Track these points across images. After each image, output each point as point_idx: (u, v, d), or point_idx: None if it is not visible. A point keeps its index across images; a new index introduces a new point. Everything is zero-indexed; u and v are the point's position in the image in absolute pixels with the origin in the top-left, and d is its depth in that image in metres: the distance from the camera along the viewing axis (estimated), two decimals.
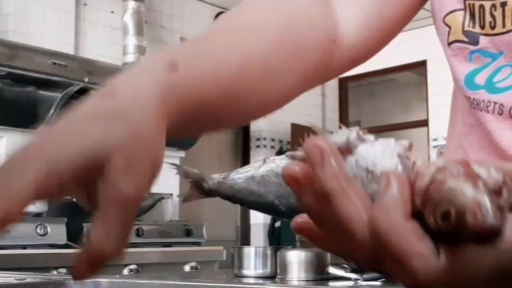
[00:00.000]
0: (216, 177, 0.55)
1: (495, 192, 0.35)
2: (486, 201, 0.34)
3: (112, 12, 4.60)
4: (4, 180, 0.41)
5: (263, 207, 0.45)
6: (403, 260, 0.35)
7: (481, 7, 0.70)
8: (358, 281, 1.67)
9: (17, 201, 0.43)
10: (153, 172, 0.49)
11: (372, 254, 0.37)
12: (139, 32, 4.40)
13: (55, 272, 2.96)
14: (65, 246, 3.48)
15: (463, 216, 0.34)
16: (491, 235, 0.34)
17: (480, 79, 0.71)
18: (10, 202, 0.43)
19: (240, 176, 0.53)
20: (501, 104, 0.69)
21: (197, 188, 0.56)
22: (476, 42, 0.71)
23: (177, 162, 4.80)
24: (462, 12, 0.72)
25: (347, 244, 0.38)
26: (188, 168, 0.55)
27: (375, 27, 0.75)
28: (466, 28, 0.72)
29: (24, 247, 3.26)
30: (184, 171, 0.56)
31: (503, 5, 0.68)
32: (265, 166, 0.44)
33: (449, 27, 0.74)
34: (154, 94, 0.45)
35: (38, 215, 3.57)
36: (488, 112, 0.70)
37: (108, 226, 0.41)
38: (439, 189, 0.36)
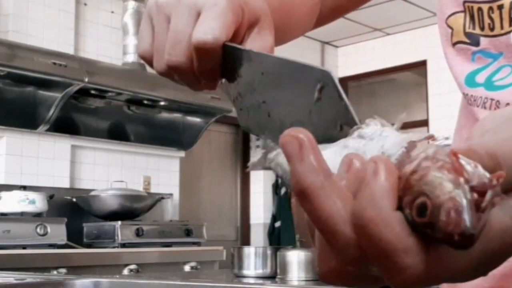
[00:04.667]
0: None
1: (478, 192, 0.33)
2: (464, 201, 0.32)
3: (112, 12, 4.60)
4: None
5: None
6: (391, 254, 0.33)
7: (479, 9, 0.71)
8: None
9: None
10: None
11: (357, 253, 0.35)
12: (139, 32, 4.40)
13: (55, 272, 2.96)
14: (65, 246, 3.48)
15: (437, 213, 0.32)
16: (464, 240, 0.32)
17: (481, 78, 0.73)
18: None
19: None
20: (498, 101, 0.71)
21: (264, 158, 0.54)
22: (477, 43, 0.72)
23: (177, 162, 4.80)
24: (462, 14, 0.73)
25: (331, 245, 0.36)
26: (267, 141, 0.54)
27: None
28: (467, 30, 0.73)
29: (24, 247, 3.26)
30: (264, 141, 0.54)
31: (500, 7, 0.69)
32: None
33: (452, 28, 0.75)
34: None
35: (38, 215, 3.57)
36: (485, 108, 0.72)
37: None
38: (421, 179, 0.33)
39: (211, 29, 0.54)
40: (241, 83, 0.55)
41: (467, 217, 0.32)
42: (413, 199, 0.33)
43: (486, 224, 0.33)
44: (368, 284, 0.38)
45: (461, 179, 0.33)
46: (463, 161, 0.34)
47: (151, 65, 0.59)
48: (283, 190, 6.02)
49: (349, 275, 0.37)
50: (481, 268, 0.35)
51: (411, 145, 0.36)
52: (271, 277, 1.86)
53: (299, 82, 0.48)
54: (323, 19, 0.84)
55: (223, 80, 0.58)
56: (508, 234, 0.34)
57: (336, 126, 0.45)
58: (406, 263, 0.33)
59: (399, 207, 0.34)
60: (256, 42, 0.57)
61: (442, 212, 0.32)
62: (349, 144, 0.41)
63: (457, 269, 0.34)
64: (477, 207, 0.32)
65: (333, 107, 0.44)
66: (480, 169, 0.33)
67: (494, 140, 0.38)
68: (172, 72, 0.57)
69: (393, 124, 0.41)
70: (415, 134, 0.37)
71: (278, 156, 0.49)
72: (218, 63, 0.55)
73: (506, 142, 0.37)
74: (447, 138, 0.37)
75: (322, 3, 0.82)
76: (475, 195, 0.33)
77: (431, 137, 0.36)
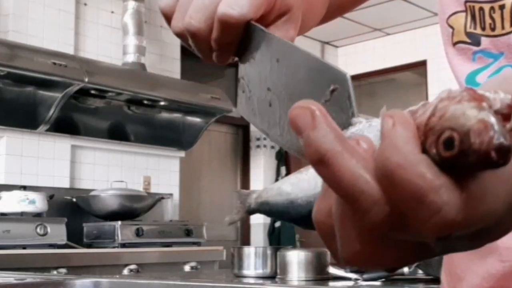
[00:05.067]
0: (254, 195, 0.53)
1: (503, 115, 0.32)
2: (492, 118, 0.31)
3: (112, 12, 4.60)
4: None
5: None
6: (423, 196, 0.32)
7: (481, 9, 0.71)
8: (358, 281, 1.67)
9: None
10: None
11: (385, 210, 0.34)
12: (139, 32, 4.40)
13: (55, 272, 2.96)
14: (65, 246, 3.48)
15: (467, 139, 0.31)
16: (500, 155, 0.31)
17: (481, 78, 0.73)
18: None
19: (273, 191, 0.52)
20: None
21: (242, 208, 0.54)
22: (478, 43, 0.72)
23: (177, 162, 4.80)
24: (463, 14, 0.73)
25: (357, 209, 0.34)
26: (242, 191, 0.54)
27: None
28: (468, 30, 0.73)
29: (24, 247, 3.26)
30: (238, 193, 0.55)
31: (501, 7, 0.69)
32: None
33: (453, 28, 0.75)
34: None
35: (38, 215, 3.57)
36: None
37: None
38: (441, 117, 0.33)
39: (240, 5, 0.52)
40: (253, 65, 0.54)
41: (499, 132, 0.31)
42: (437, 137, 0.33)
43: None
44: (393, 262, 0.37)
45: (484, 104, 0.32)
46: (481, 91, 0.33)
47: (168, 22, 0.58)
48: None
49: (374, 252, 0.36)
50: (507, 218, 0.35)
51: (412, 112, 0.35)
52: (271, 277, 1.86)
53: (312, 78, 0.47)
54: (327, 16, 0.84)
55: (235, 58, 0.57)
56: None
57: None
58: (440, 202, 0.32)
59: (424, 152, 0.33)
60: (279, 32, 0.56)
61: (472, 135, 0.31)
62: None
63: (491, 208, 0.33)
64: (506, 129, 0.32)
65: (340, 112, 0.44)
66: (501, 93, 0.33)
67: (491, 86, 0.37)
68: (188, 36, 0.56)
69: None
70: (410, 108, 0.37)
71: (260, 196, 0.50)
72: (238, 39, 0.54)
73: (502, 85, 0.37)
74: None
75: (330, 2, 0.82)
76: (500, 118, 0.32)
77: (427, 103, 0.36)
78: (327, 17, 0.83)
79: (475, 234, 0.35)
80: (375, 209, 0.34)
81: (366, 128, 0.40)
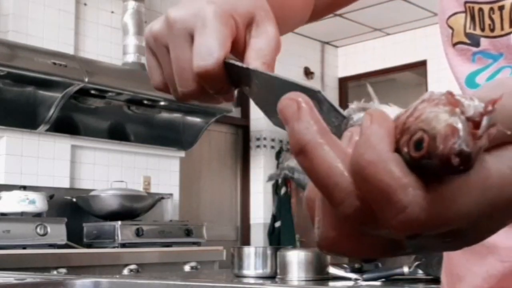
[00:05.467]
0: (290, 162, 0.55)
1: (474, 123, 0.33)
2: (459, 124, 0.32)
3: (112, 12, 4.60)
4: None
5: None
6: (390, 193, 0.33)
7: (480, 10, 0.71)
8: (358, 281, 1.67)
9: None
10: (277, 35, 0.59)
11: (357, 203, 0.35)
12: (139, 32, 4.40)
13: (55, 272, 2.96)
14: (65, 246, 3.48)
15: (434, 142, 0.32)
16: (461, 161, 0.32)
17: (481, 79, 0.73)
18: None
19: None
20: None
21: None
22: (477, 44, 0.72)
23: (177, 162, 4.80)
24: (463, 15, 0.73)
25: (330, 200, 0.36)
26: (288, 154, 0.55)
27: None
28: (467, 30, 0.73)
29: (24, 247, 3.26)
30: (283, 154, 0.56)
31: (501, 8, 0.69)
32: None
33: (452, 29, 0.75)
34: None
35: (38, 215, 3.57)
36: None
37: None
38: (417, 118, 0.34)
39: (208, 53, 0.54)
40: (252, 90, 0.57)
41: (462, 138, 0.32)
42: (410, 137, 0.34)
43: (480, 152, 0.33)
44: (367, 252, 0.38)
45: (457, 109, 0.33)
46: (458, 97, 0.34)
47: (169, 93, 0.60)
48: (283, 190, 6.02)
49: (349, 241, 0.37)
50: (485, 220, 0.35)
51: (403, 112, 0.37)
52: (271, 277, 1.86)
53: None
54: (317, 13, 0.84)
55: (237, 89, 0.59)
56: (506, 183, 0.35)
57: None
58: (406, 201, 0.33)
59: (397, 151, 0.34)
60: (258, 39, 0.57)
61: (438, 139, 0.32)
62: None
63: (458, 212, 0.34)
64: (474, 136, 0.33)
65: (331, 120, 0.45)
66: (476, 101, 0.33)
67: (484, 90, 0.38)
68: (190, 98, 0.58)
69: None
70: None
71: (292, 161, 0.50)
72: (225, 80, 0.56)
73: (495, 90, 0.37)
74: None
75: None
76: (471, 125, 0.33)
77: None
78: (318, 14, 0.84)
79: (447, 235, 0.35)
80: (346, 202, 0.35)
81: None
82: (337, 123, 0.45)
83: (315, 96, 0.46)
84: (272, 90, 0.53)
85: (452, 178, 0.34)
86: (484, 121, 0.33)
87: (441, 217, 0.34)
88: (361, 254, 0.38)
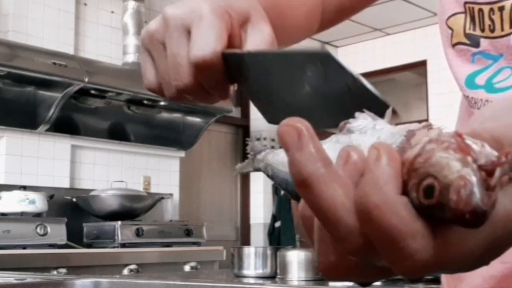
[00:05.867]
0: (261, 156, 0.52)
1: (486, 171, 0.32)
2: (473, 178, 0.31)
3: (112, 12, 4.60)
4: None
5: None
6: (398, 239, 0.32)
7: (480, 10, 0.71)
8: None
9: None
10: (271, 34, 0.59)
11: (359, 242, 0.34)
12: (139, 32, 4.39)
13: (55, 272, 2.96)
14: (65, 246, 3.47)
15: (446, 192, 0.31)
16: (475, 218, 0.31)
17: (481, 79, 0.72)
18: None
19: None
20: None
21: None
22: (477, 45, 0.72)
23: (177, 162, 4.80)
24: (463, 15, 0.73)
25: (332, 235, 0.35)
26: (256, 145, 0.53)
27: None
28: (467, 31, 0.73)
29: (24, 247, 3.26)
30: (251, 146, 0.54)
31: (501, 9, 0.69)
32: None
33: (452, 29, 0.75)
34: None
35: (38, 215, 3.57)
36: None
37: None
38: (426, 161, 0.32)
39: (205, 43, 0.54)
40: (251, 83, 0.56)
41: (478, 194, 0.31)
42: (419, 181, 0.32)
43: (495, 205, 0.32)
44: (368, 278, 0.37)
45: (469, 158, 0.32)
46: (469, 141, 0.33)
47: (161, 94, 0.60)
48: (283, 190, 6.01)
49: (349, 268, 0.36)
50: (487, 256, 0.35)
51: (410, 134, 0.35)
52: (271, 277, 1.86)
53: (302, 68, 0.48)
54: (326, 22, 0.84)
55: (235, 86, 0.58)
56: (511, 219, 0.34)
57: (345, 100, 0.45)
58: (413, 248, 0.32)
59: (404, 192, 0.33)
60: (254, 37, 0.57)
61: (451, 191, 0.31)
62: (339, 139, 0.40)
63: (464, 254, 0.34)
64: (487, 186, 0.31)
65: (340, 81, 0.44)
66: (488, 147, 0.33)
67: (496, 125, 0.37)
68: (184, 95, 0.58)
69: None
70: (412, 124, 0.36)
71: (267, 156, 0.49)
72: (223, 72, 0.56)
73: (509, 127, 0.36)
74: (444, 128, 0.37)
75: (324, 7, 0.82)
76: (484, 174, 0.32)
77: (429, 126, 0.36)
78: (327, 23, 0.84)
79: (445, 271, 0.36)
80: (349, 239, 0.34)
81: (370, 129, 0.39)
82: (346, 82, 0.44)
83: (323, 59, 0.45)
84: (272, 76, 0.53)
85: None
86: (497, 172, 0.32)
87: (445, 261, 0.33)
88: (360, 279, 0.38)
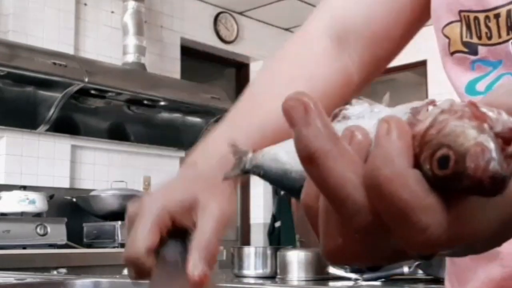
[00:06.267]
0: (249, 156, 0.51)
1: (504, 139, 0.30)
2: (491, 144, 0.30)
3: (112, 12, 4.60)
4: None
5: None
6: (410, 213, 0.31)
7: (476, 18, 0.71)
8: (358, 281, 1.67)
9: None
10: (222, 213, 0.65)
11: (368, 219, 0.33)
12: (139, 32, 4.39)
13: (55, 272, 2.96)
14: (65, 246, 3.48)
15: (463, 160, 0.30)
16: (494, 184, 0.30)
17: (481, 86, 0.72)
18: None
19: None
20: None
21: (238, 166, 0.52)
22: (475, 52, 0.72)
23: (177, 162, 4.80)
24: (458, 24, 0.73)
25: (340, 213, 0.34)
26: (238, 147, 0.52)
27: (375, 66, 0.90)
28: (464, 39, 0.73)
29: (24, 247, 3.26)
30: (234, 149, 0.53)
31: (497, 16, 0.69)
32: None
33: (449, 38, 0.75)
34: (219, 165, 0.64)
35: (38, 215, 3.57)
36: None
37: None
38: (439, 131, 0.31)
39: (131, 244, 0.62)
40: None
41: (496, 160, 0.29)
42: (432, 152, 0.31)
43: None
44: (375, 261, 0.36)
45: (485, 125, 0.30)
46: (484, 109, 0.31)
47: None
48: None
49: (356, 250, 0.35)
50: (499, 235, 0.34)
51: (415, 111, 0.34)
52: (271, 277, 1.86)
53: None
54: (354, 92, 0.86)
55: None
56: None
57: None
58: (426, 222, 0.31)
59: (416, 166, 0.32)
60: (203, 220, 0.63)
61: (468, 158, 0.30)
62: (335, 127, 0.38)
63: (477, 230, 0.33)
64: (505, 155, 0.30)
65: None
66: (504, 115, 0.31)
67: (509, 98, 0.36)
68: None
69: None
70: (414, 102, 0.35)
71: (255, 158, 0.48)
72: (148, 269, 0.63)
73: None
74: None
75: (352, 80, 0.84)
76: (501, 141, 0.30)
77: (432, 102, 0.34)
78: (355, 92, 0.87)
79: (458, 250, 0.34)
80: (358, 216, 0.33)
81: (368, 113, 0.37)
82: None
83: None
84: None
85: (471, 197, 0.32)
86: None
87: (458, 236, 0.33)
88: (368, 262, 0.37)
